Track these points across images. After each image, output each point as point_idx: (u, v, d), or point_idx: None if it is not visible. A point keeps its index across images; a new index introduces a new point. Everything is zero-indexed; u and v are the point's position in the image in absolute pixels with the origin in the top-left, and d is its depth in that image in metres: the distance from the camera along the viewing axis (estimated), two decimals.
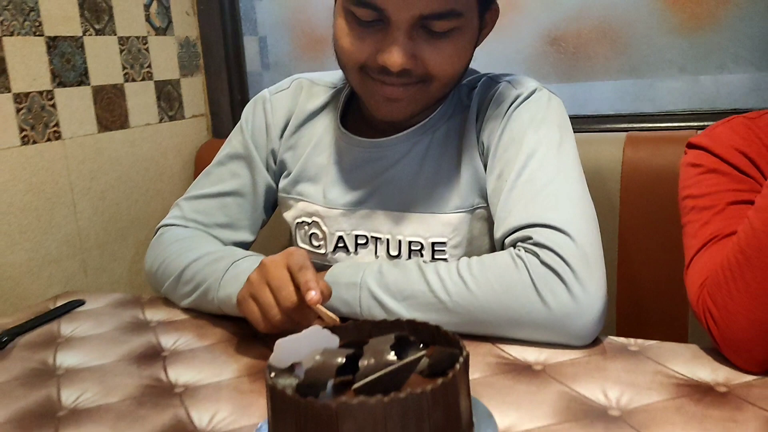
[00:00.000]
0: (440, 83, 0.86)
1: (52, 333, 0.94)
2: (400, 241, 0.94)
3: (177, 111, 1.57)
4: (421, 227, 0.93)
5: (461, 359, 0.58)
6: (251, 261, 0.87)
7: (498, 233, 0.84)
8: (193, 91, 1.62)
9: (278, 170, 1.04)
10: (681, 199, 0.81)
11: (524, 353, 0.76)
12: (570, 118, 0.93)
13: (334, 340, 0.60)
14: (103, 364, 0.82)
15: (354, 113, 1.00)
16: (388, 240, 0.95)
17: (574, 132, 0.91)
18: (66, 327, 0.96)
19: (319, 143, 1.00)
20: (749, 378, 0.67)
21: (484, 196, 0.91)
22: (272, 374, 0.58)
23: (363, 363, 0.58)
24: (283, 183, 1.03)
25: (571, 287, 0.74)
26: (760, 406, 0.61)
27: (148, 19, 1.48)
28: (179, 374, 0.77)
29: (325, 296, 0.73)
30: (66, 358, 0.84)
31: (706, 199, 0.77)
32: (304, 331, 0.60)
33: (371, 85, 0.87)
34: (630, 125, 1.27)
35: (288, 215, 1.04)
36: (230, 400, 0.70)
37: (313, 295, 0.69)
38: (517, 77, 0.94)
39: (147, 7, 1.48)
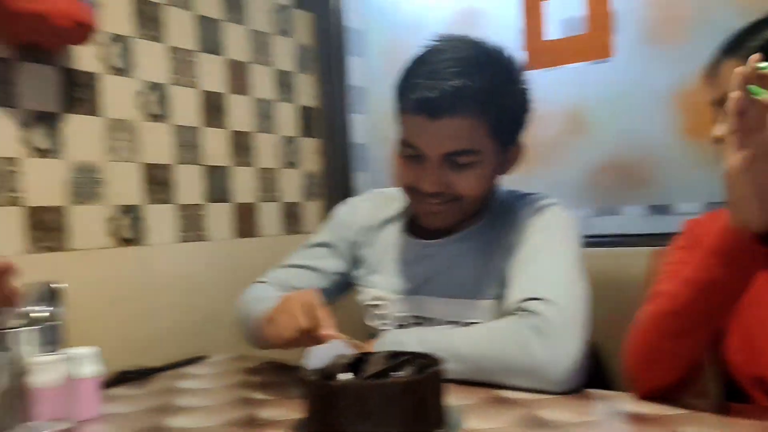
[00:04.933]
0: (468, 201, 1.15)
1: (178, 373, 1.27)
2: (442, 323, 1.19)
3: (298, 227, 1.96)
4: (461, 310, 1.18)
5: (433, 369, 0.83)
6: None
7: (506, 307, 1.09)
8: (312, 212, 2.01)
9: (355, 261, 1.34)
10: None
11: (509, 393, 0.98)
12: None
13: (348, 350, 0.88)
14: (209, 388, 1.13)
15: (415, 221, 1.29)
16: (436, 322, 1.20)
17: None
18: (190, 370, 1.29)
19: (389, 244, 1.30)
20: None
21: (506, 286, 1.15)
22: (305, 370, 0.86)
23: (365, 367, 0.85)
24: (358, 272, 1.33)
25: (550, 343, 0.97)
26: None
27: (281, 156, 1.92)
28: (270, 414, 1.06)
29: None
30: (186, 383, 1.17)
31: (669, 266, 0.99)
32: (327, 343, 0.88)
33: (416, 201, 1.17)
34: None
35: (361, 298, 1.33)
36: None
37: (327, 331, 0.96)
38: (539, 195, 1.21)
39: (281, 147, 1.92)
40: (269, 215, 1.87)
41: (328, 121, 2.07)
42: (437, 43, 1.13)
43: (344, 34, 2.06)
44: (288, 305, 1.02)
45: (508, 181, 1.27)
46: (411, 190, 1.16)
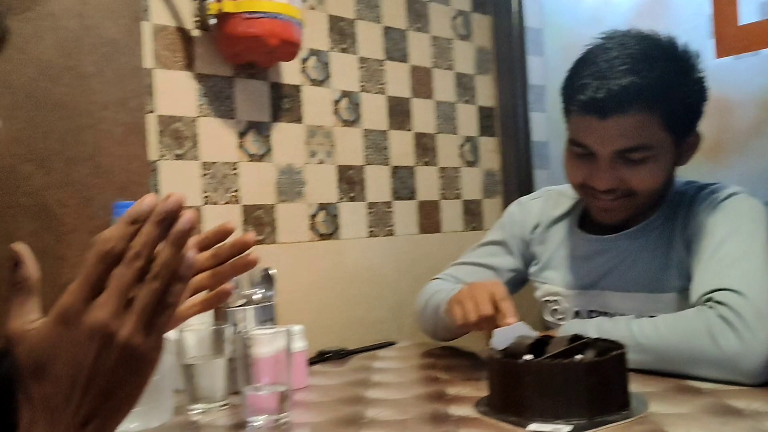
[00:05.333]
0: (642, 196, 1.13)
1: (370, 355, 1.39)
2: (623, 315, 1.19)
3: (478, 223, 2.03)
4: (641, 304, 1.17)
5: (615, 353, 0.86)
6: None
7: (692, 299, 1.07)
8: (491, 209, 2.07)
9: (528, 258, 1.37)
10: None
11: (695, 383, 0.96)
12: None
13: (531, 332, 0.93)
14: (400, 367, 1.23)
15: (588, 217, 1.29)
16: (614, 314, 1.20)
17: None
18: (380, 353, 1.41)
19: (561, 240, 1.32)
20: None
21: (689, 279, 1.13)
22: (490, 350, 0.93)
23: (548, 348, 0.90)
24: (532, 269, 1.36)
25: (741, 334, 0.94)
26: None
27: (461, 155, 2.00)
28: (456, 391, 1.14)
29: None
30: (379, 363, 1.28)
31: None
32: (513, 325, 0.94)
33: (589, 198, 1.18)
34: None
35: (537, 294, 1.36)
36: None
37: (510, 320, 1.01)
38: (719, 185, 1.17)
39: (461, 147, 2.00)
40: (451, 212, 1.96)
41: (507, 120, 2.11)
42: (602, 40, 1.13)
43: (523, 35, 2.09)
44: (475, 291, 1.08)
45: (697, 174, 1.24)
46: (583, 187, 1.17)
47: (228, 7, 1.33)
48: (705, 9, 1.66)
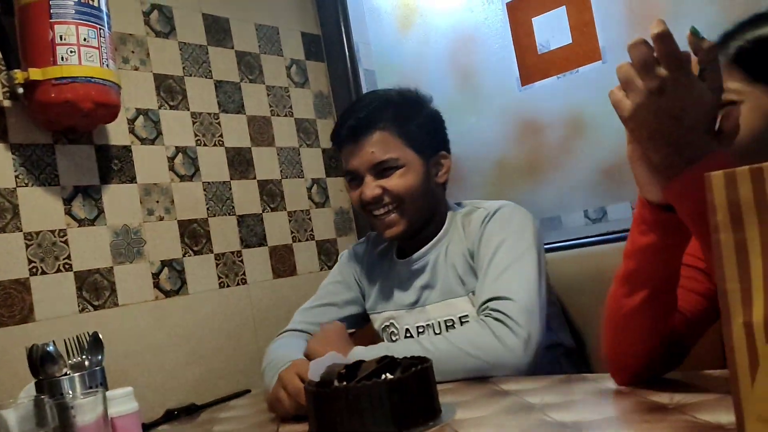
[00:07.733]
0: (409, 201, 1.32)
1: (223, 406, 1.39)
2: (440, 323, 1.34)
3: (334, 262, 2.06)
4: (451, 309, 1.34)
5: (418, 368, 0.91)
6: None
7: (476, 305, 1.24)
8: (347, 247, 2.12)
9: (361, 293, 1.52)
10: None
11: (505, 386, 1.04)
12: None
13: (343, 360, 0.96)
14: (246, 415, 1.23)
15: (403, 247, 1.45)
16: (435, 324, 1.35)
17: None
18: (233, 402, 1.40)
19: (387, 272, 1.47)
20: None
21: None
22: (308, 383, 0.95)
23: (358, 372, 0.94)
24: (367, 304, 1.50)
25: (515, 331, 1.12)
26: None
27: (310, 197, 2.05)
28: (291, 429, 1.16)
29: None
30: (227, 413, 1.27)
31: None
32: (325, 356, 0.97)
33: (372, 219, 1.37)
34: None
35: (375, 325, 1.48)
36: None
37: None
38: (491, 202, 1.36)
39: (309, 189, 2.05)
40: (305, 254, 1.99)
41: None
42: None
43: (357, 77, 2.18)
44: (286, 384, 1.10)
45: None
46: (364, 209, 1.37)
47: (35, 75, 1.32)
48: (509, 43, 1.81)
